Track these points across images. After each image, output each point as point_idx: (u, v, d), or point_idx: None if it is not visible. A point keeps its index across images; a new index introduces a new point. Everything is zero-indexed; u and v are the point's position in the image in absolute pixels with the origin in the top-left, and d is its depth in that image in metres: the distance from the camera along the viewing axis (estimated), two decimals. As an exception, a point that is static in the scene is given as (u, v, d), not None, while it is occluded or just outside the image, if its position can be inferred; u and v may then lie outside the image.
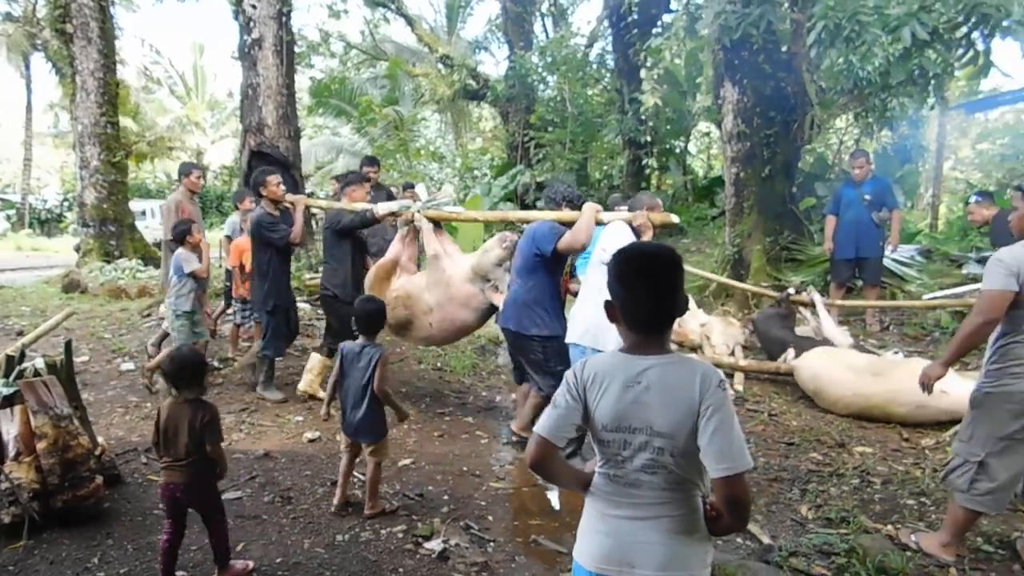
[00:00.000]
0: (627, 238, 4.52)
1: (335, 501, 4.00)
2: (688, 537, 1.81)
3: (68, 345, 4.42)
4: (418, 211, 5.52)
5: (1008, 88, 12.98)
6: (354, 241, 5.89)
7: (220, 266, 9.29)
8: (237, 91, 11.47)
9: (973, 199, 6.71)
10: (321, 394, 5.95)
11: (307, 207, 6.80)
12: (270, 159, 10.44)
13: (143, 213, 22.73)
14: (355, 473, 4.21)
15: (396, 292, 5.47)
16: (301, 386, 6.02)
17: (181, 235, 5.91)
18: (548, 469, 1.94)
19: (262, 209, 5.91)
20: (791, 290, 6.90)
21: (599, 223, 4.75)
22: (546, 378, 4.74)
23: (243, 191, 8.42)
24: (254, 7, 10.58)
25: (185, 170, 7.09)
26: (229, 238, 7.65)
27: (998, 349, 3.27)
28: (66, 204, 30.44)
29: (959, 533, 3.44)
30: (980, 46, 5.76)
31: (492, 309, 5.15)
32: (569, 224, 4.72)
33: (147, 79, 32.93)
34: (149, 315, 8.69)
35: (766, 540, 3.66)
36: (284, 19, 10.93)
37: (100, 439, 4.31)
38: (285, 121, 10.82)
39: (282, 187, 5.97)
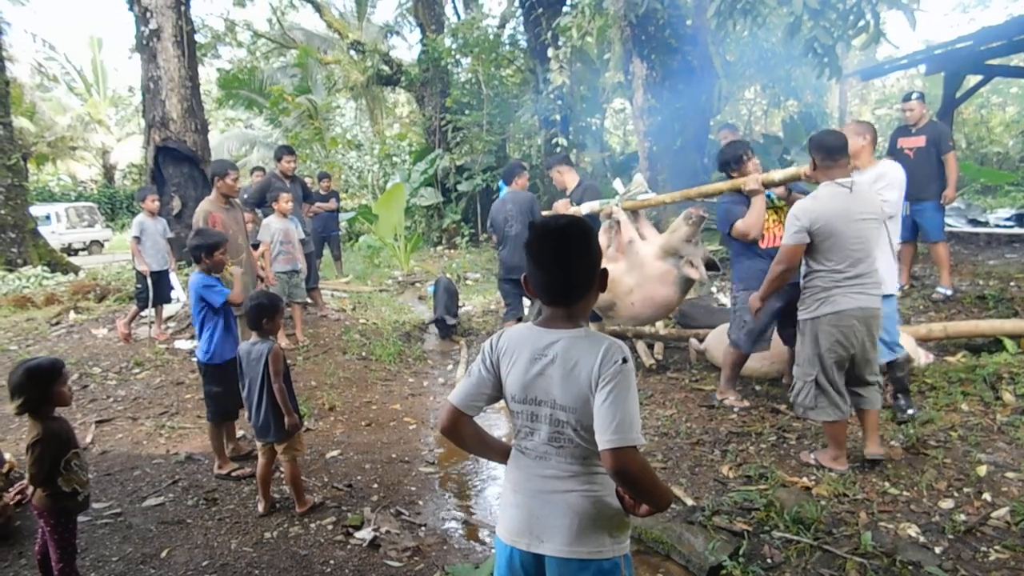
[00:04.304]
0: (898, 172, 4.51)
1: (260, 509, 3.92)
2: (598, 514, 1.80)
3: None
4: (616, 204, 5.80)
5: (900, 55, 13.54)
6: None
7: (132, 269, 8.95)
8: (139, 86, 10.95)
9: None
10: None
11: None
12: (177, 155, 10.08)
13: (47, 217, 21.72)
14: (281, 469, 4.13)
15: None
16: None
17: (272, 200, 7.28)
18: (459, 437, 1.95)
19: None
20: None
21: (769, 183, 4.74)
22: (735, 330, 5.09)
23: (147, 189, 8.12)
24: (149, -4, 10.13)
25: (219, 171, 5.92)
26: (137, 239, 7.37)
27: (807, 284, 3.95)
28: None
29: (839, 444, 3.99)
30: (870, 16, 5.99)
31: (691, 281, 5.35)
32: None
33: (42, 76, 31.22)
34: (58, 323, 8.31)
35: (690, 502, 3.78)
36: (183, 8, 10.48)
37: (7, 455, 4.12)
38: (191, 114, 10.41)
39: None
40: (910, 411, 4.56)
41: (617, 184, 6.19)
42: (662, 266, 5.32)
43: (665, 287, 5.33)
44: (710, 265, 5.32)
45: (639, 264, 5.40)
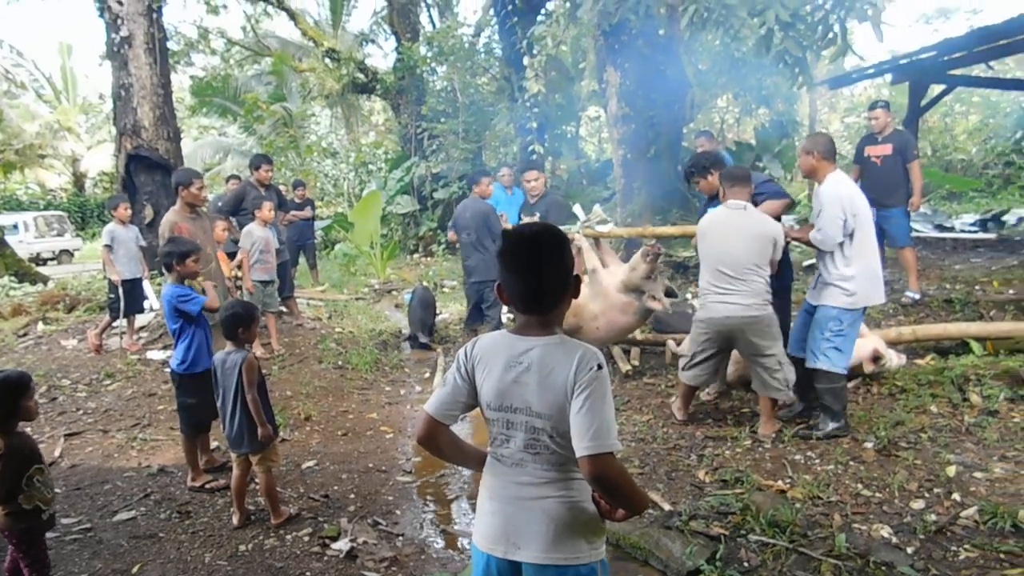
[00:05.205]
0: (845, 185, 4.44)
1: (234, 521, 3.87)
2: (574, 520, 1.81)
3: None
4: (577, 231, 6.04)
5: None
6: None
7: (103, 278, 8.83)
8: (109, 93, 10.82)
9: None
10: None
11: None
12: (149, 163, 9.97)
13: (15, 227, 21.38)
14: (256, 481, 4.08)
15: None
16: None
17: (254, 208, 7.42)
18: (436, 446, 1.95)
19: None
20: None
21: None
22: None
23: (118, 198, 8.03)
24: (120, 3, 10.00)
25: (183, 180, 5.73)
26: (109, 248, 7.28)
27: (698, 291, 4.81)
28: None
29: (684, 399, 5.02)
30: (838, 28, 6.11)
31: (651, 310, 5.55)
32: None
33: (9, 83, 30.72)
34: (25, 335, 8.17)
35: (667, 507, 3.80)
36: (155, 15, 10.40)
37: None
38: (163, 122, 10.31)
39: None
40: (817, 432, 4.52)
41: (577, 210, 6.42)
42: (624, 298, 5.55)
43: (627, 316, 5.60)
44: (669, 293, 5.58)
45: (603, 293, 5.63)
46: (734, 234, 4.47)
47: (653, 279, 5.42)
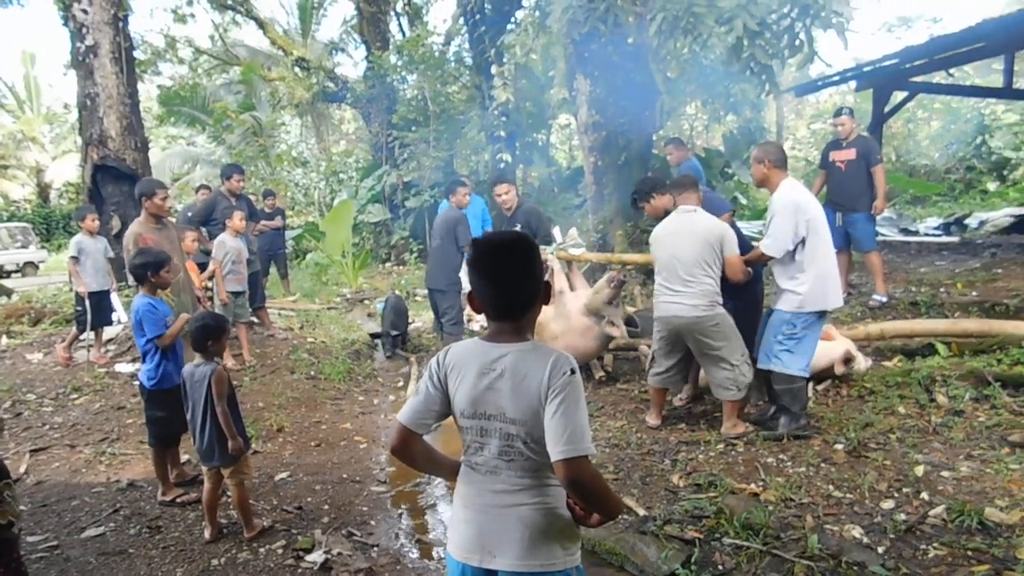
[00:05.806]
0: (798, 191, 4.48)
1: (206, 535, 3.81)
2: (549, 526, 1.81)
3: None
4: (551, 252, 6.17)
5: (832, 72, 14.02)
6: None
7: (70, 290, 8.67)
8: (75, 102, 10.68)
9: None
10: None
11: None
12: (116, 173, 9.84)
13: (-23, 238, 21.00)
14: (228, 494, 4.03)
15: None
16: None
17: (225, 217, 7.32)
18: (410, 456, 1.94)
19: None
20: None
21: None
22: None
23: (85, 208, 7.91)
24: (85, 12, 9.90)
25: (147, 191, 5.62)
26: (75, 259, 7.16)
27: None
28: None
29: (655, 404, 5.11)
30: (803, 36, 6.21)
31: (611, 337, 5.64)
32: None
33: (-31, 93, 30.19)
34: (-10, 349, 7.99)
35: (642, 512, 3.81)
36: (121, 24, 10.30)
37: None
38: (130, 132, 10.20)
39: None
40: (776, 431, 4.57)
41: (556, 232, 6.58)
42: (585, 321, 5.66)
43: (587, 340, 5.70)
44: (629, 322, 5.72)
45: (565, 315, 5.74)
46: (684, 235, 4.67)
47: (615, 305, 5.55)
